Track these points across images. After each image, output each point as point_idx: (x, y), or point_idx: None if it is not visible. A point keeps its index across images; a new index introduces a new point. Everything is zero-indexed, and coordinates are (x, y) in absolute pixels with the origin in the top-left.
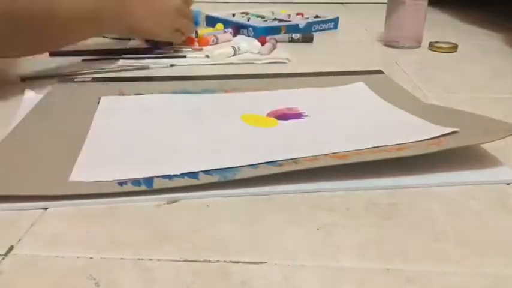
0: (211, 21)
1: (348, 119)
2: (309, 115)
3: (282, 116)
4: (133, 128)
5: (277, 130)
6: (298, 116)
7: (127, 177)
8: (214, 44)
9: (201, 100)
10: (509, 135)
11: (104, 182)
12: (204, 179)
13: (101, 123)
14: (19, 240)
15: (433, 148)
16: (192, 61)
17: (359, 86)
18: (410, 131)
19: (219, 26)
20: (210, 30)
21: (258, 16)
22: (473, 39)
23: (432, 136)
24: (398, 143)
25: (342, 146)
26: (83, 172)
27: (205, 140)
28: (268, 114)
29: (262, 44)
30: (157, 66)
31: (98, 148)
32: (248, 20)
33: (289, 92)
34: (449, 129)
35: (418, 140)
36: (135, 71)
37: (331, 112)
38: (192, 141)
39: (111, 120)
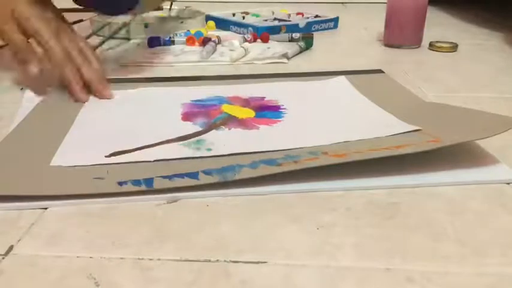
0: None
1: (322, 114)
2: (286, 108)
3: (260, 107)
4: (114, 118)
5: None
6: (276, 108)
7: (101, 163)
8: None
9: (184, 92)
10: (509, 129)
11: (99, 178)
12: (204, 179)
13: (86, 114)
14: (19, 240)
15: (433, 145)
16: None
17: (339, 80)
18: (376, 127)
19: (211, 23)
20: (203, 30)
21: (253, 15)
22: (474, 38)
23: (396, 132)
24: (361, 138)
25: (312, 141)
26: (63, 158)
27: (181, 130)
28: (247, 105)
29: (265, 41)
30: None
31: (78, 136)
32: (243, 19)
33: (270, 85)
34: (413, 127)
35: (381, 135)
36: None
37: (308, 106)
38: (168, 130)
39: (95, 111)
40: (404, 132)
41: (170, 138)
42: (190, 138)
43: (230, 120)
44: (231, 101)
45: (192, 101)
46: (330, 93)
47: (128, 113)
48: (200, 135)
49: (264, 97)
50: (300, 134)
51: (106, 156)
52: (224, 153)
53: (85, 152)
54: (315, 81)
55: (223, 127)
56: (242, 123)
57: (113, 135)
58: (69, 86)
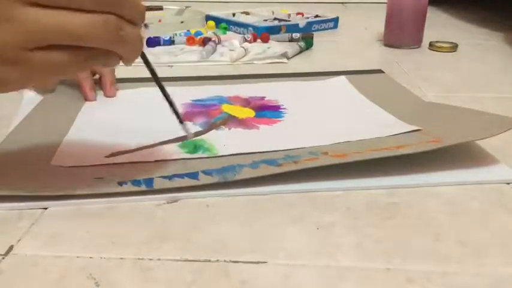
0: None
1: (322, 114)
2: (286, 108)
3: (260, 107)
4: (114, 118)
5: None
6: (276, 108)
7: (102, 163)
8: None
9: (184, 92)
10: (509, 129)
11: (99, 178)
12: (204, 179)
13: (86, 114)
14: (19, 240)
15: (433, 146)
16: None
17: (340, 80)
18: (377, 127)
19: (211, 23)
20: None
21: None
22: (474, 38)
23: (396, 133)
24: (361, 138)
25: (312, 141)
26: (63, 158)
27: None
28: (248, 105)
29: (265, 41)
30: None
31: (78, 137)
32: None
33: (270, 85)
34: (413, 127)
35: (380, 135)
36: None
37: (309, 106)
38: (168, 130)
39: (95, 112)
40: (404, 133)
41: (170, 138)
42: (190, 138)
43: (230, 120)
44: (231, 100)
45: (192, 100)
46: (330, 93)
47: (128, 113)
48: (200, 135)
49: (264, 97)
50: (301, 134)
51: (106, 157)
52: (224, 154)
53: (85, 152)
54: (315, 81)
55: (223, 127)
56: (242, 123)
57: (113, 136)
58: (81, 83)
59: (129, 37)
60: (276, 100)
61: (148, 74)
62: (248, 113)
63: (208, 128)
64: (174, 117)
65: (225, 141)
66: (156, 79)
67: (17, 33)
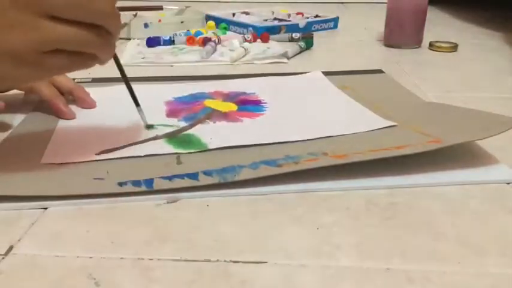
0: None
1: (302, 108)
2: (267, 102)
3: (241, 101)
4: (102, 115)
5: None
6: (257, 102)
7: (90, 159)
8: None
9: (165, 90)
10: (508, 129)
11: (99, 179)
12: (204, 180)
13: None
14: (19, 240)
15: (433, 146)
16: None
17: (316, 75)
18: (354, 122)
19: (211, 23)
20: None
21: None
22: (474, 38)
23: (373, 128)
24: (341, 133)
25: (295, 134)
26: (52, 155)
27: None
28: (229, 100)
29: (265, 41)
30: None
31: (66, 134)
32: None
33: (248, 81)
34: (390, 123)
35: (359, 131)
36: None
37: (287, 100)
38: (155, 127)
39: (78, 111)
40: (404, 133)
41: (158, 134)
42: (177, 133)
43: (214, 114)
44: (213, 95)
45: (174, 98)
46: (307, 87)
47: (116, 109)
48: (186, 130)
49: (244, 92)
50: (284, 127)
51: (96, 154)
52: (213, 147)
53: (75, 149)
54: (292, 76)
55: (208, 121)
56: (226, 116)
57: (102, 132)
58: (51, 103)
59: (111, 44)
60: (256, 95)
61: (146, 75)
62: (230, 106)
63: (194, 122)
64: (161, 113)
65: (212, 135)
66: (122, 75)
67: (37, 40)
